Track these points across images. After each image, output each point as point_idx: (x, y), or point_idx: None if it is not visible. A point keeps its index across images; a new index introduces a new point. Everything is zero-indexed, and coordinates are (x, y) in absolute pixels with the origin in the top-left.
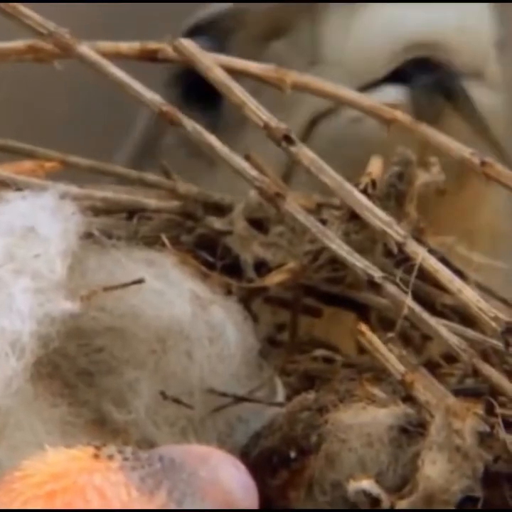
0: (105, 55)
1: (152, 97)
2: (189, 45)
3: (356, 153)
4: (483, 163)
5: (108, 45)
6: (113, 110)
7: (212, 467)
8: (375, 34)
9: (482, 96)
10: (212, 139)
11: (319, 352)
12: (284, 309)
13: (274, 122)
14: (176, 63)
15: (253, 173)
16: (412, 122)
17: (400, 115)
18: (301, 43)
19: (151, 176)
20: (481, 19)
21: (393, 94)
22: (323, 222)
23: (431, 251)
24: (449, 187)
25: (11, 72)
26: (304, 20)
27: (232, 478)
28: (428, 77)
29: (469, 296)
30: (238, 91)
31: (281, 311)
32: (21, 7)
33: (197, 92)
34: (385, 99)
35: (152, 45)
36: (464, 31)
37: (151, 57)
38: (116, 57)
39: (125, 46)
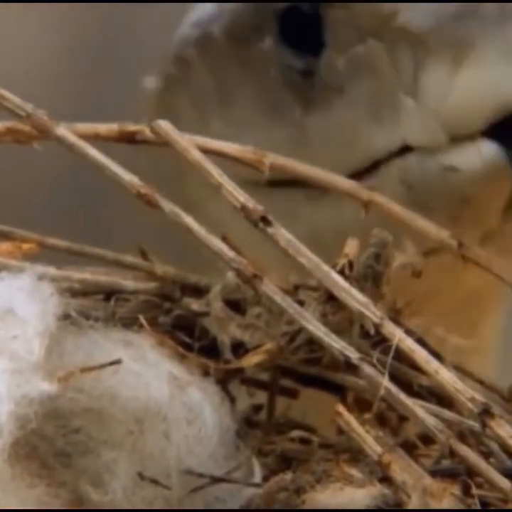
0: (83, 136)
1: (130, 178)
2: (166, 126)
3: (446, 203)
4: (460, 245)
5: (86, 126)
6: (91, 190)
7: None
8: (477, 90)
9: None
10: (189, 221)
11: (296, 433)
12: (261, 390)
13: (251, 203)
14: (154, 145)
15: (230, 254)
16: (389, 204)
17: (376, 197)
18: (400, 64)
19: (128, 258)
20: None
21: (489, 150)
22: (301, 303)
23: (407, 332)
24: None
25: None
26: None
27: None
28: None
29: (446, 377)
30: (216, 173)
31: (259, 391)
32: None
33: (298, 32)
34: (480, 154)
35: (130, 127)
36: None
37: (129, 138)
38: (94, 139)
39: (103, 128)
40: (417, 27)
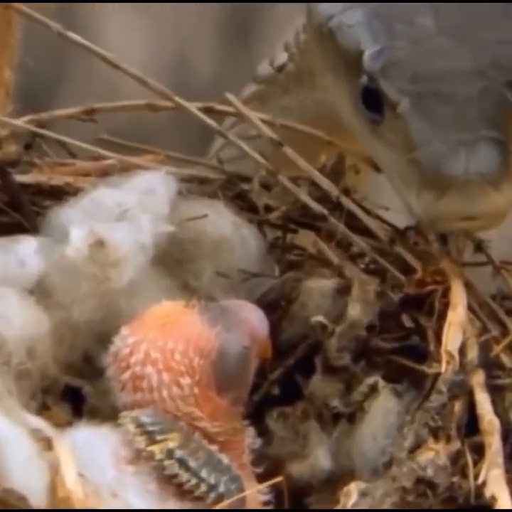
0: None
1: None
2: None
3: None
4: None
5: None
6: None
7: (245, 311)
8: (448, 211)
9: None
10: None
11: (296, 251)
12: (279, 230)
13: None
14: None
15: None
16: None
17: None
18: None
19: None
20: None
21: None
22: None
23: (353, 200)
24: None
25: None
26: None
27: (256, 317)
28: None
29: (370, 223)
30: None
31: (278, 231)
32: None
33: (371, 98)
34: None
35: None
36: None
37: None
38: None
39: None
40: (425, 164)
